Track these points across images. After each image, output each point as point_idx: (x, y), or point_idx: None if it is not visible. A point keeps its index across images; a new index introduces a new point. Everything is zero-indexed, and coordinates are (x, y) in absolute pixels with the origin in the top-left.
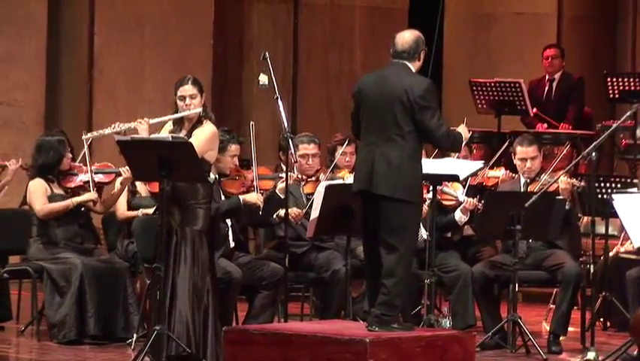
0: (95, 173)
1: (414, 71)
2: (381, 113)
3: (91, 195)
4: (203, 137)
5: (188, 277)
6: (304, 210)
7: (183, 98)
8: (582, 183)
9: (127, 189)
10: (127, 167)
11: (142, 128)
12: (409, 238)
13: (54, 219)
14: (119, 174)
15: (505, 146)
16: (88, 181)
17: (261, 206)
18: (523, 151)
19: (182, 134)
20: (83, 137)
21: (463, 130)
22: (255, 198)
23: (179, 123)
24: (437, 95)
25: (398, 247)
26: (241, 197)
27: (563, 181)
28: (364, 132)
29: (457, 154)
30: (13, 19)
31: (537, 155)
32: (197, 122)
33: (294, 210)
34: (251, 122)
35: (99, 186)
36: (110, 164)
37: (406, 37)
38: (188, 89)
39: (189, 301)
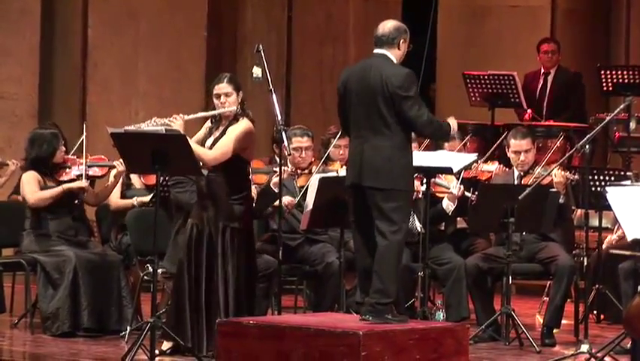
0: (89, 166)
1: (395, 61)
2: (366, 106)
3: (82, 182)
4: (235, 134)
5: (232, 277)
6: (297, 199)
7: (218, 96)
8: (576, 176)
9: (121, 181)
10: (121, 160)
11: (177, 124)
12: (401, 225)
13: (48, 212)
14: (112, 167)
15: (500, 140)
16: (81, 174)
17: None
18: (517, 144)
19: (219, 131)
20: (110, 130)
21: (451, 121)
22: None
23: (217, 121)
24: (417, 84)
25: (389, 234)
26: None
27: (557, 174)
28: (353, 126)
29: (450, 146)
30: (7, 13)
31: (531, 147)
32: (233, 119)
33: (286, 198)
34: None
35: (92, 180)
36: (103, 157)
37: (388, 24)
38: (223, 87)
39: (232, 303)
